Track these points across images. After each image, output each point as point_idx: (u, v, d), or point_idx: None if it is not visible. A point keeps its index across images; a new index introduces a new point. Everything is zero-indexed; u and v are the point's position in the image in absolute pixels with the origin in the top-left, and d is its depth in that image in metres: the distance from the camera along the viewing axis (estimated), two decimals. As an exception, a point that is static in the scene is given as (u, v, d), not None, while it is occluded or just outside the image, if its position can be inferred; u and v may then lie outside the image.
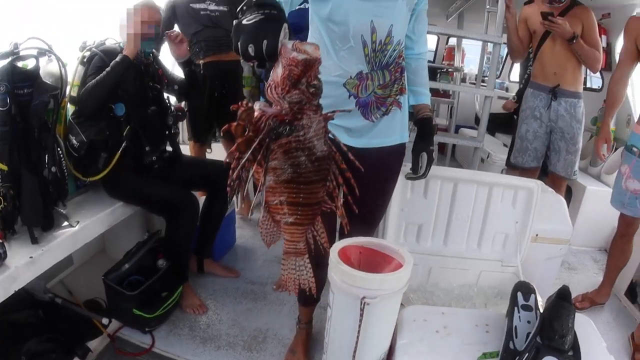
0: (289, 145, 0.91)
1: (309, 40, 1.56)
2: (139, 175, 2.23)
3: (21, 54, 1.73)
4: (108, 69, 2.04)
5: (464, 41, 6.40)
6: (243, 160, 0.89)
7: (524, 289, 1.60)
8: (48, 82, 1.81)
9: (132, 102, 2.16)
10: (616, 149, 3.52)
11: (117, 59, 2.06)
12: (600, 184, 3.59)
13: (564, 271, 3.14)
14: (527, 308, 1.54)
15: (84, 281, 2.43)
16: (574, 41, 2.71)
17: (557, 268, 2.43)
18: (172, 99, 2.51)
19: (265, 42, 0.84)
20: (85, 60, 2.12)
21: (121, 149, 2.13)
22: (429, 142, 1.66)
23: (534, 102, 2.99)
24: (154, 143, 2.27)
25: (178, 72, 2.53)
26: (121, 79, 2.07)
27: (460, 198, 2.17)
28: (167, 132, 2.38)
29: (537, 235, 2.24)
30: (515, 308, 1.54)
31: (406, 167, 1.75)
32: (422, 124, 1.68)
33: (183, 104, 2.74)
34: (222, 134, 3.33)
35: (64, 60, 1.86)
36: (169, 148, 2.45)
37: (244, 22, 0.86)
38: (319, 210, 1.01)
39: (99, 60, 2.09)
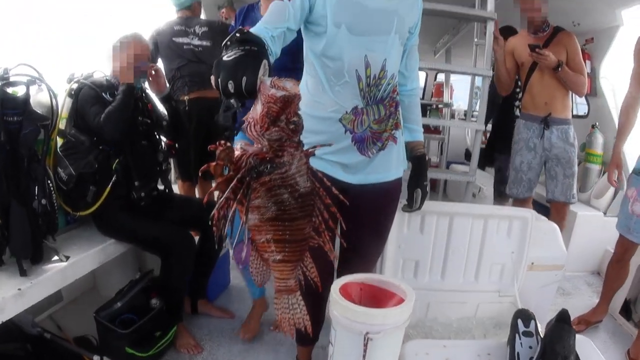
0: (271, 183, 0.92)
1: (304, 75, 1.57)
2: (130, 212, 2.20)
3: (11, 79, 1.71)
4: (118, 101, 2.04)
5: (452, 77, 6.49)
6: (222, 200, 0.89)
7: (524, 316, 1.61)
8: (38, 112, 1.80)
9: (122, 135, 2.13)
10: (604, 173, 3.55)
11: (121, 89, 2.07)
12: (590, 208, 3.61)
13: (559, 297, 3.13)
14: (527, 334, 1.55)
15: (74, 317, 2.37)
16: (560, 69, 2.75)
17: (553, 294, 2.43)
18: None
19: (244, 78, 0.84)
20: (72, 92, 2.11)
21: (111, 183, 2.10)
22: (423, 179, 1.69)
23: (527, 134, 3.02)
24: (144, 178, 2.24)
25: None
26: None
27: (456, 232, 2.17)
28: (158, 168, 2.36)
29: (532, 263, 2.23)
30: (517, 335, 1.55)
31: (401, 201, 1.77)
32: (417, 161, 1.70)
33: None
34: (200, 174, 3.28)
35: (54, 90, 1.86)
36: (160, 186, 2.43)
37: (225, 58, 0.88)
38: (306, 246, 1.01)
39: (90, 91, 2.08)
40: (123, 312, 2.15)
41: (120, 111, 2.03)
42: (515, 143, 3.10)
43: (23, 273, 1.74)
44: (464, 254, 2.21)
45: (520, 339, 1.54)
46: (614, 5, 3.13)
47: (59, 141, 2.12)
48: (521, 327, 1.57)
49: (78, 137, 2.07)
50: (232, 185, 0.88)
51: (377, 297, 1.49)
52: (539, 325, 1.58)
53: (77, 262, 1.99)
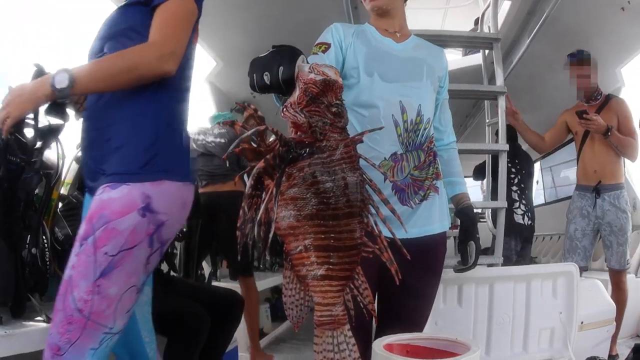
0: (311, 168, 0.72)
1: None
2: None
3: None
4: None
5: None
6: (247, 189, 0.69)
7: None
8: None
9: None
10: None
11: None
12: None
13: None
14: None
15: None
16: (609, 134, 2.75)
17: (607, 351, 2.30)
18: None
19: (281, 68, 0.79)
20: (80, 157, 1.99)
21: None
22: (474, 231, 1.55)
23: (580, 203, 3.00)
24: None
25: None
26: None
27: (498, 299, 1.99)
28: None
29: (582, 322, 2.09)
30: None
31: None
32: (465, 214, 1.57)
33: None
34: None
35: (64, 150, 1.72)
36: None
37: (259, 56, 0.83)
38: (357, 256, 0.78)
39: None
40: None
41: None
42: (570, 212, 3.08)
43: (-1, 320, 1.49)
44: (509, 323, 2.00)
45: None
46: (613, 65, 3.18)
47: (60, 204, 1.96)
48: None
49: (79, 199, 1.90)
50: (258, 167, 0.68)
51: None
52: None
53: None
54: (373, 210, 0.78)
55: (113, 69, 1.14)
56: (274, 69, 0.79)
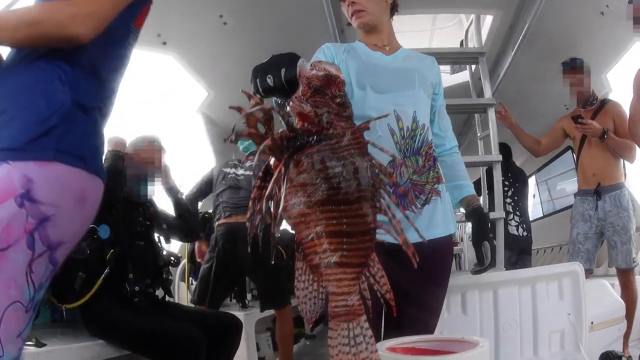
0: (319, 154, 0.73)
1: None
2: (123, 307, 1.90)
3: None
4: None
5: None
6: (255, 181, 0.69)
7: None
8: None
9: (119, 227, 1.96)
10: None
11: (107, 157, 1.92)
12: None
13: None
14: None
15: None
16: (605, 137, 2.80)
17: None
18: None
19: (283, 69, 0.80)
20: None
21: (103, 275, 1.86)
22: (487, 231, 1.57)
23: (582, 207, 3.04)
24: (139, 272, 2.00)
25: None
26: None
27: (503, 304, 1.99)
28: (157, 271, 2.13)
29: (592, 322, 2.09)
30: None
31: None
32: (476, 215, 1.58)
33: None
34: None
35: None
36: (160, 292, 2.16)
37: (260, 63, 0.84)
38: (371, 242, 0.76)
39: None
40: None
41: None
42: (572, 218, 3.11)
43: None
44: (517, 328, 1.98)
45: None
46: (599, 71, 3.24)
47: None
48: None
49: None
50: (265, 144, 0.69)
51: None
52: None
53: (53, 352, 1.68)
54: (385, 195, 0.77)
55: (14, 20, 0.95)
56: (277, 71, 0.80)
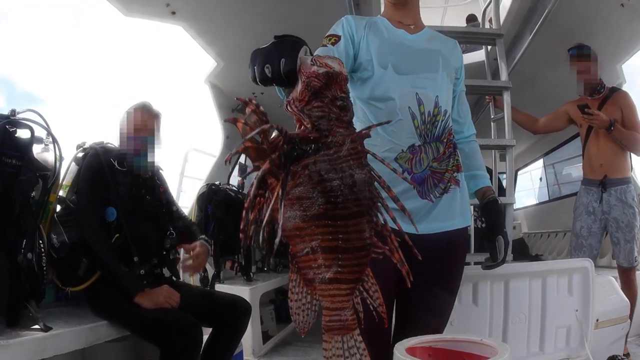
0: (317, 166, 0.69)
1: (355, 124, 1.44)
2: (127, 291, 1.86)
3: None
4: (105, 256, 1.84)
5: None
6: (252, 188, 0.66)
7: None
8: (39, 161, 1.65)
9: (125, 209, 1.92)
10: None
11: (126, 280, 1.86)
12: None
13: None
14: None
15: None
16: (612, 128, 2.70)
17: (622, 349, 2.23)
18: None
19: (282, 60, 0.74)
20: (79, 158, 1.95)
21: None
22: (501, 224, 1.50)
23: (586, 198, 2.96)
24: (144, 255, 1.96)
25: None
26: (114, 182, 1.90)
27: (513, 297, 1.95)
28: (163, 252, 2.09)
29: (597, 320, 2.03)
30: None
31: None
32: (490, 207, 1.53)
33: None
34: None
35: (62, 151, 1.72)
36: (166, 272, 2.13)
37: (260, 48, 0.78)
38: (366, 258, 0.74)
39: (95, 160, 1.90)
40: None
41: (98, 251, 1.83)
42: (576, 209, 3.02)
43: (-8, 329, 1.40)
44: (525, 322, 1.95)
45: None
46: (613, 61, 3.14)
47: (58, 207, 1.91)
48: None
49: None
50: (264, 169, 0.65)
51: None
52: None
53: (60, 335, 1.66)
54: (382, 209, 0.74)
55: None
56: (275, 61, 0.75)
